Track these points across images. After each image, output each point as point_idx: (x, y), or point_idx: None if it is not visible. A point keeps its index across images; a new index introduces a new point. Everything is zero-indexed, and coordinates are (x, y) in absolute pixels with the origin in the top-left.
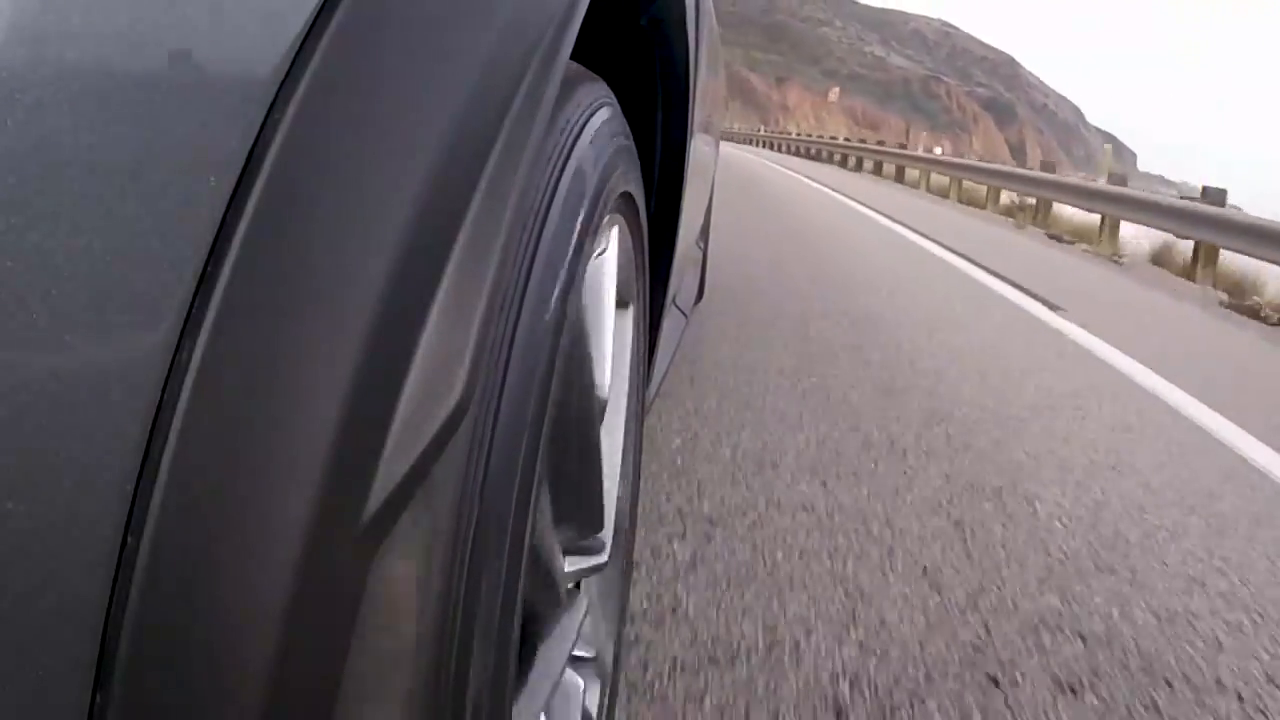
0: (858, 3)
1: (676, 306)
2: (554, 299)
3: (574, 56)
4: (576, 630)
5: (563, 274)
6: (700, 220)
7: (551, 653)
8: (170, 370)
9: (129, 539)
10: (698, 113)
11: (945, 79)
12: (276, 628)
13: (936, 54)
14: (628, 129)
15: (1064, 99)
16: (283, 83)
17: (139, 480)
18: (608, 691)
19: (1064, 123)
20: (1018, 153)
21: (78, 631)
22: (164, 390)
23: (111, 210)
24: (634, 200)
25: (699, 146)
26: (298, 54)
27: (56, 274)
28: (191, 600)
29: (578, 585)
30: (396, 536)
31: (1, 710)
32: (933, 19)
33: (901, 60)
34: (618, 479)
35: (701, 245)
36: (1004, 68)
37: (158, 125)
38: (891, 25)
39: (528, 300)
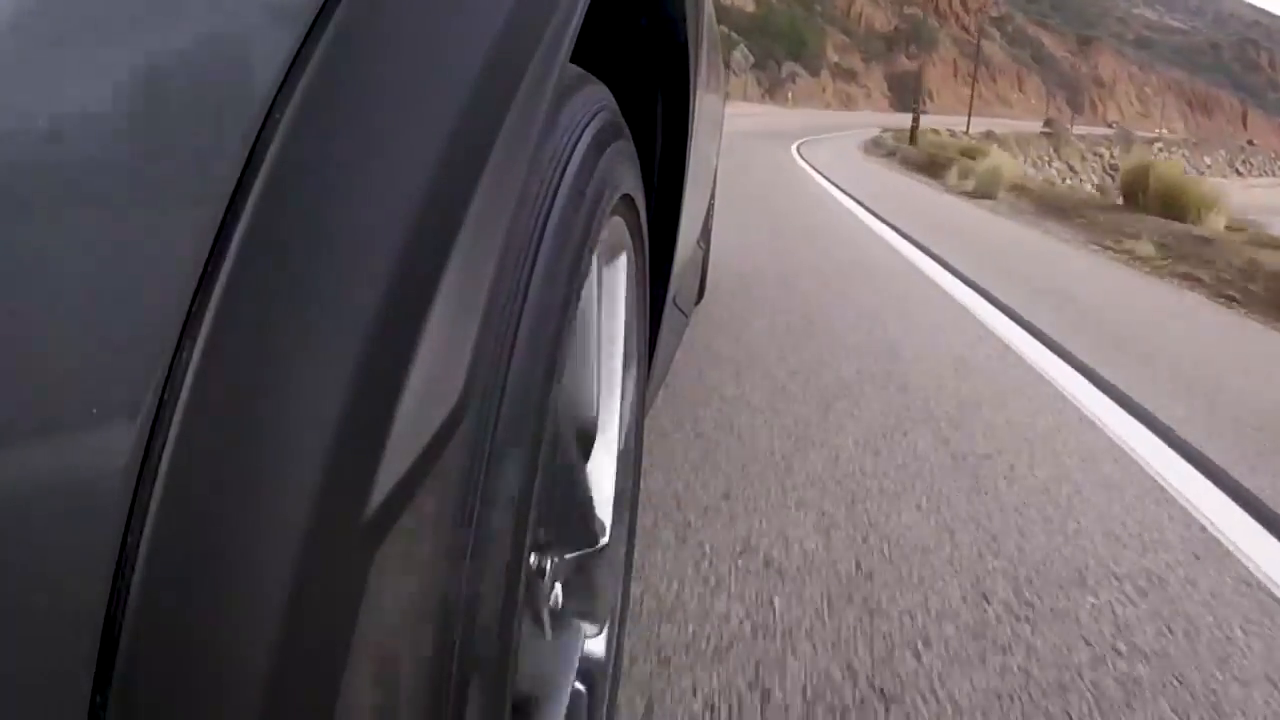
0: None
1: (677, 306)
2: (555, 299)
3: (574, 55)
4: (576, 631)
5: (563, 275)
6: (701, 220)
7: (551, 652)
8: (170, 370)
9: (129, 539)
10: (698, 113)
11: (1263, 44)
12: (276, 627)
13: (1203, 16)
14: (628, 131)
15: None
16: (283, 83)
17: (139, 480)
18: (606, 694)
19: None
20: None
21: (78, 631)
22: (164, 390)
23: (111, 210)
24: (634, 202)
25: (700, 146)
26: (298, 54)
27: (56, 273)
28: (191, 600)
29: (578, 587)
30: (396, 536)
31: (2, 710)
32: None
33: (1174, 22)
34: (619, 480)
35: (702, 245)
36: None
37: (157, 125)
38: None
39: (529, 300)
